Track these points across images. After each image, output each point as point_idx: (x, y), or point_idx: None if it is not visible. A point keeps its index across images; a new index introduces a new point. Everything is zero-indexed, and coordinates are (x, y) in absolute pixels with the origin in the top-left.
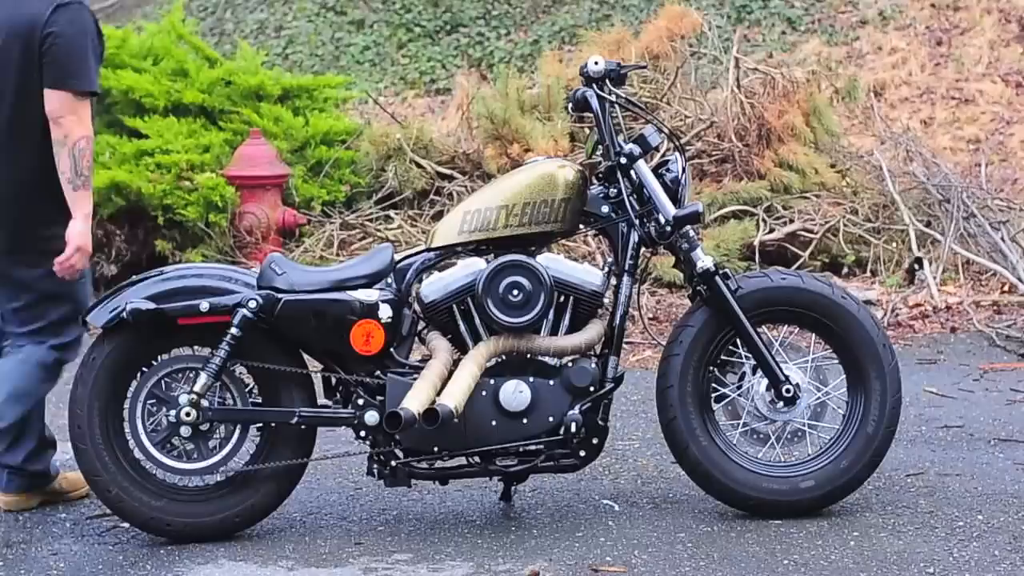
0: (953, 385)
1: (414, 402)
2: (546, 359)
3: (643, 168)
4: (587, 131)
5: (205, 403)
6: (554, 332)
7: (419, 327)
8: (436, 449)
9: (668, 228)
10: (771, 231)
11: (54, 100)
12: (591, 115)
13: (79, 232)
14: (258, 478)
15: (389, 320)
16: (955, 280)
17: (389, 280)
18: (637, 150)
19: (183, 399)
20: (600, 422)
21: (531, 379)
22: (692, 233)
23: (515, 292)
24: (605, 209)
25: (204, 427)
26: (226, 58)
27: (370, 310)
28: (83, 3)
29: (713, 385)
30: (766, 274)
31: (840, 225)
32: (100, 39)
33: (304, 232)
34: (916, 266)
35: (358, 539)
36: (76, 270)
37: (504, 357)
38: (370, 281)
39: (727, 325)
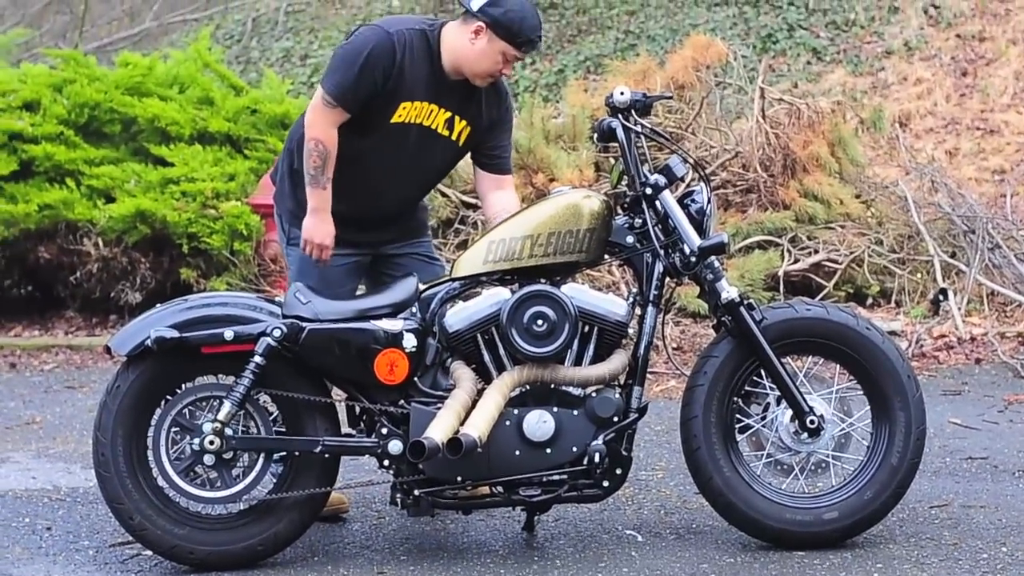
0: (978, 416)
1: (438, 431)
2: (570, 389)
3: (668, 198)
4: (612, 161)
5: (229, 431)
6: (578, 362)
7: (443, 357)
8: (459, 479)
9: (693, 258)
10: (796, 261)
11: None
12: (616, 145)
13: (304, 226)
14: (281, 507)
15: (413, 349)
16: (980, 311)
17: (414, 310)
18: (662, 180)
19: (207, 427)
20: (624, 452)
21: (555, 409)
22: (717, 263)
23: (539, 322)
24: (630, 239)
25: (228, 455)
26: (252, 86)
27: (394, 339)
28: (381, 27)
29: (737, 416)
30: (791, 305)
31: (865, 256)
32: (388, 67)
33: None
34: (941, 297)
35: (380, 568)
36: (317, 259)
37: (528, 387)
38: (395, 311)
39: (751, 356)
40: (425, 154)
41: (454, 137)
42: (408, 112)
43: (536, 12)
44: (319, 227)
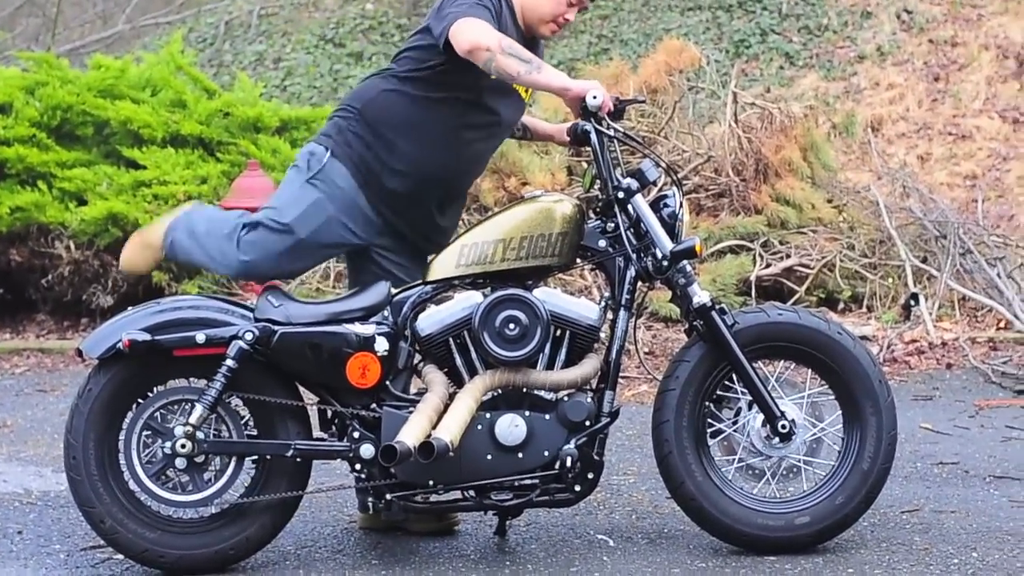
0: (949, 421)
1: (410, 435)
2: (542, 393)
3: (640, 202)
4: (584, 165)
5: (200, 435)
6: (550, 366)
7: (415, 360)
8: (431, 483)
9: (665, 263)
10: (767, 266)
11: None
12: (589, 149)
13: (583, 89)
14: (253, 510)
15: (385, 353)
16: (951, 316)
17: (386, 313)
18: (635, 184)
19: (179, 431)
20: (595, 456)
21: (527, 413)
22: (689, 268)
23: (511, 326)
24: (602, 243)
25: (199, 459)
26: (224, 89)
27: (366, 343)
28: None
29: (709, 420)
30: (763, 309)
31: (836, 260)
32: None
33: None
34: (912, 302)
35: (352, 572)
36: (603, 107)
37: (500, 391)
38: (367, 314)
39: (723, 360)
40: (512, 109)
41: (522, 92)
42: None
43: None
44: (582, 82)
